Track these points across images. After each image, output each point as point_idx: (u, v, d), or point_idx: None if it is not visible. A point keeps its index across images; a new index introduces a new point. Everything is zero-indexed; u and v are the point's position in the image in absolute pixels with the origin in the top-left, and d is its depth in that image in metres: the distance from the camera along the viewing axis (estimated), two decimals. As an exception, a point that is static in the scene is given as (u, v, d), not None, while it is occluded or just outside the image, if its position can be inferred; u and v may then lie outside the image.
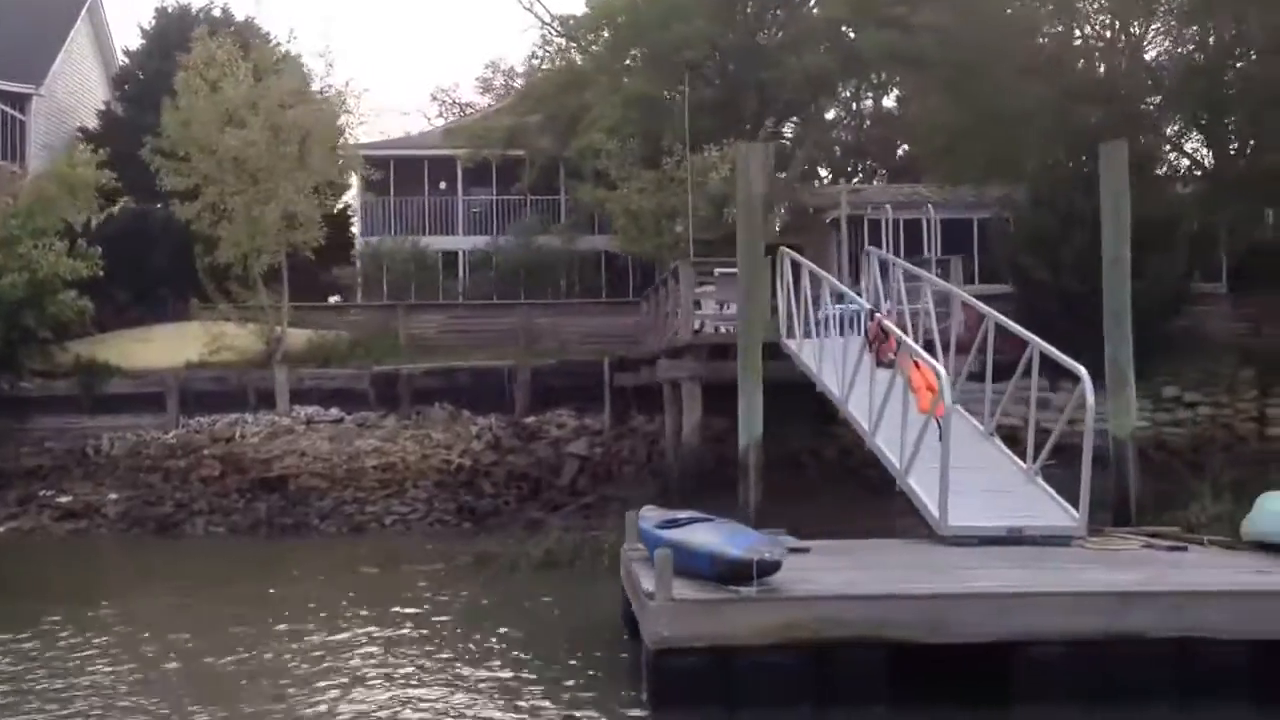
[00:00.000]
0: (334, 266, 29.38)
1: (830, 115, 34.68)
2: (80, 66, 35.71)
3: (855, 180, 34.04)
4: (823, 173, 35.16)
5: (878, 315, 15.04)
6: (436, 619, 13.30)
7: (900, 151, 35.25)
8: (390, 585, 15.99)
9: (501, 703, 9.47)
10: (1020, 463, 13.59)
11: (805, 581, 9.10)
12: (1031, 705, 8.51)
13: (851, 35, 28.63)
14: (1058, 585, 9.10)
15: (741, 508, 13.12)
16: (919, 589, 8.84)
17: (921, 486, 12.47)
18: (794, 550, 10.09)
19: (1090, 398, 12.33)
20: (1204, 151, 27.75)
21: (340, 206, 31.94)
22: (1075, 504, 12.70)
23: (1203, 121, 26.50)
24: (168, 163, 24.45)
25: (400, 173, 36.54)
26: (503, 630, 12.30)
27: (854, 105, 35.05)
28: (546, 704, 9.37)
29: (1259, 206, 27.35)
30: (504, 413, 24.57)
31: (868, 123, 35.33)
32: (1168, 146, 28.31)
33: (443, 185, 35.45)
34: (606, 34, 30.66)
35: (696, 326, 19.88)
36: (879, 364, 14.40)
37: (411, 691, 9.87)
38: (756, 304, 14.18)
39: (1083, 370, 12.75)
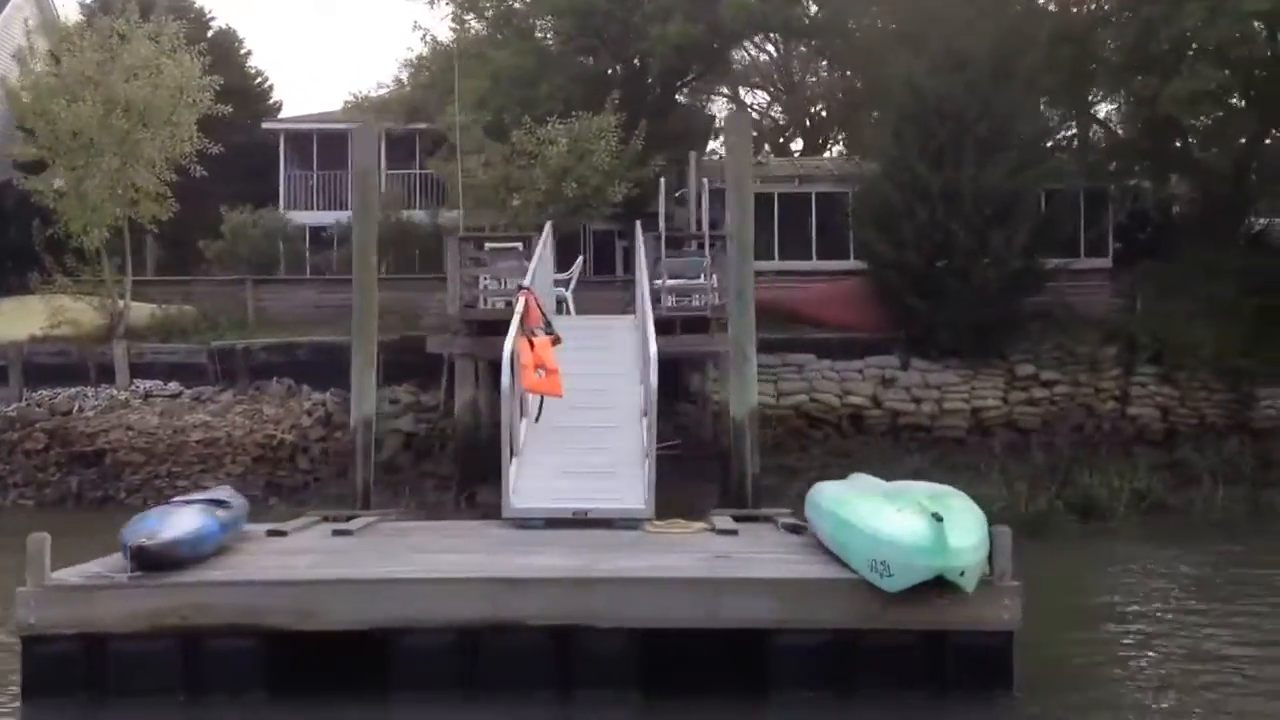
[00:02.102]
0: (200, 240, 29.46)
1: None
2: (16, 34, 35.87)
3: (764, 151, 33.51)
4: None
5: (526, 289, 14.64)
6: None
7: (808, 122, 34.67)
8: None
9: None
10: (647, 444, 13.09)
11: (238, 567, 8.89)
12: (409, 693, 8.23)
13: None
14: (434, 571, 8.76)
15: (351, 490, 12.89)
16: (290, 575, 8.59)
17: (521, 467, 12.15)
18: (273, 533, 9.89)
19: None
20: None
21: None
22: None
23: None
24: (17, 134, 24.70)
25: (324, 147, 36.74)
26: None
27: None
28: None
29: (1129, 180, 26.59)
30: (345, 388, 24.41)
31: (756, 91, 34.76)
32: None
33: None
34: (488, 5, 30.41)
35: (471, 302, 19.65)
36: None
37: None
38: (363, 293, 13.62)
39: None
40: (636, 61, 29.45)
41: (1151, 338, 24.60)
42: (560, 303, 20.05)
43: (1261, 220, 28.41)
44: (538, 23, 30.32)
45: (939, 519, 7.77)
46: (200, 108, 25.33)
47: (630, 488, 11.87)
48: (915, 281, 23.87)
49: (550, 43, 30.73)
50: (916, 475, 19.92)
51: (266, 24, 75.50)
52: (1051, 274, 24.98)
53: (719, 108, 36.57)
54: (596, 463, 12.41)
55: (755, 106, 38.90)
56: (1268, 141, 25.35)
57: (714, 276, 19.50)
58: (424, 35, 31.60)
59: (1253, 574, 14.25)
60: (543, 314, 13.80)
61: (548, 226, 19.09)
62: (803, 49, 32.30)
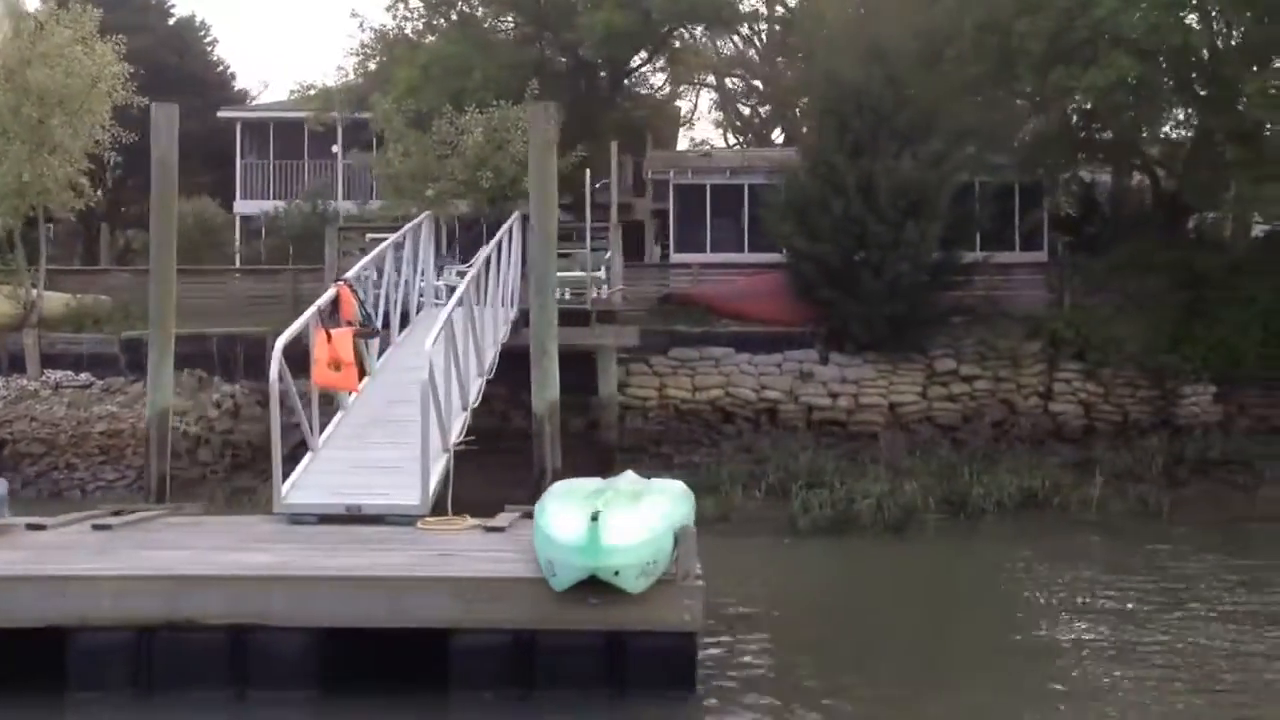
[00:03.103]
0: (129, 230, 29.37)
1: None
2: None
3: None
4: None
5: (340, 283, 14.33)
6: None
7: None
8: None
9: None
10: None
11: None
12: (85, 693, 8.02)
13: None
14: (115, 569, 8.53)
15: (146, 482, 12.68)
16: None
17: (316, 461, 11.91)
18: (32, 526, 9.67)
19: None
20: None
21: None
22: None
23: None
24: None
25: (281, 136, 36.64)
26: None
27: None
28: None
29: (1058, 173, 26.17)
30: (257, 379, 24.28)
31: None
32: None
33: (334, 148, 35.33)
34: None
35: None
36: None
37: None
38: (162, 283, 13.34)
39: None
40: (582, 51, 29.07)
41: (1075, 333, 24.18)
42: (449, 290, 19.78)
43: (1211, 215, 27.92)
44: (478, 11, 29.97)
45: (595, 519, 7.53)
46: (116, 97, 25.04)
47: (410, 484, 11.59)
48: (831, 274, 23.54)
49: (490, 31, 30.42)
50: (810, 469, 19.92)
51: (244, 12, 75.33)
52: (971, 268, 24.62)
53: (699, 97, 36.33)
54: (390, 457, 12.14)
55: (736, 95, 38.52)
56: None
57: (603, 270, 19.24)
58: (361, 23, 31.23)
59: (1052, 572, 14.39)
60: (361, 307, 13.52)
61: (424, 216, 18.81)
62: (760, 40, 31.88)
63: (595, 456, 19.33)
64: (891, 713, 9.00)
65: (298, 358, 12.27)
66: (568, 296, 19.56)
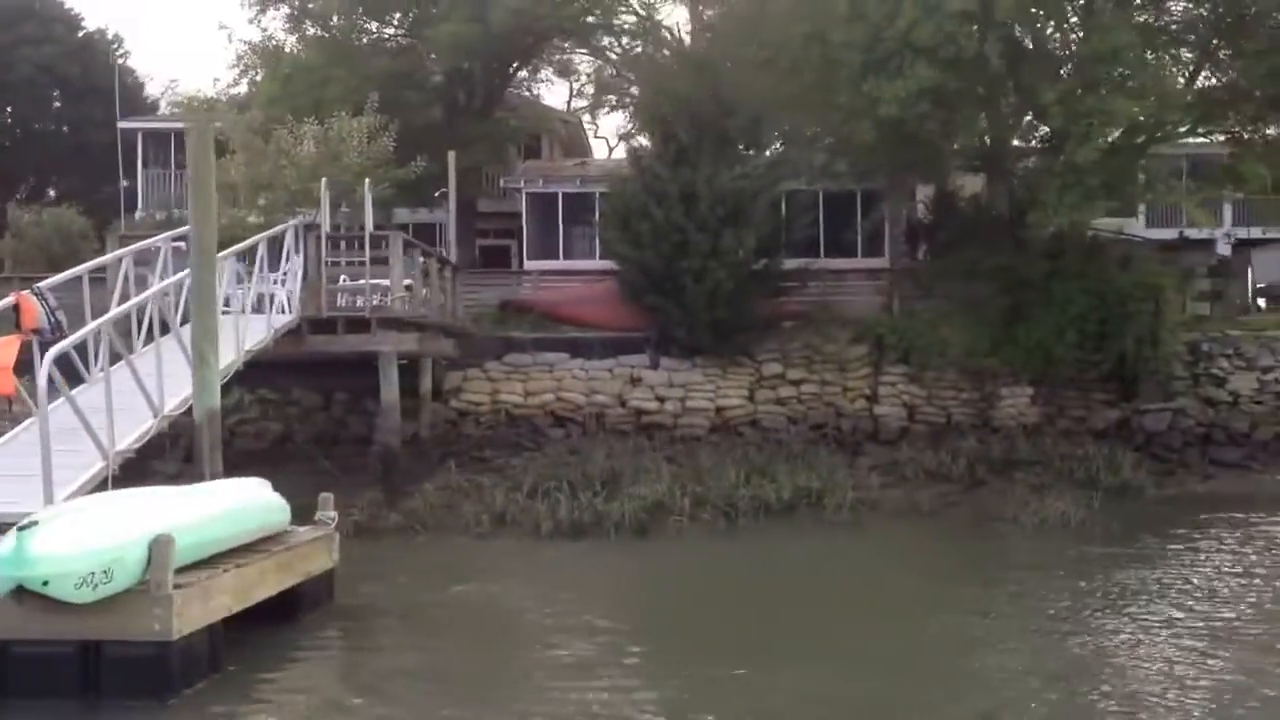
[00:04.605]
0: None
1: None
2: None
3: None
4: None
5: (21, 293, 14.47)
6: None
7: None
8: None
9: None
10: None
11: None
12: None
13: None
14: None
15: None
16: None
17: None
18: None
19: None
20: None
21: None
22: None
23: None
24: None
25: (182, 147, 37.08)
26: None
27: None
28: None
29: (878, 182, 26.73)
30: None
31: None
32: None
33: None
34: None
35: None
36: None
37: None
38: None
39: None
40: (432, 62, 29.62)
41: (899, 338, 24.73)
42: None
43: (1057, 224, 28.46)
44: (340, 21, 30.46)
45: (22, 529, 8.00)
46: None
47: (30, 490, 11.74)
48: (655, 281, 24.09)
49: (356, 41, 30.93)
50: (605, 473, 20.35)
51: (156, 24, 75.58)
52: (804, 273, 25.17)
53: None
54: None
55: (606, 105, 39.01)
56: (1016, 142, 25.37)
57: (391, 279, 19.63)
58: (229, 35, 31.73)
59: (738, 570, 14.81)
60: (50, 314, 13.76)
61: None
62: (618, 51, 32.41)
63: (378, 461, 19.79)
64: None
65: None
66: (360, 304, 19.88)
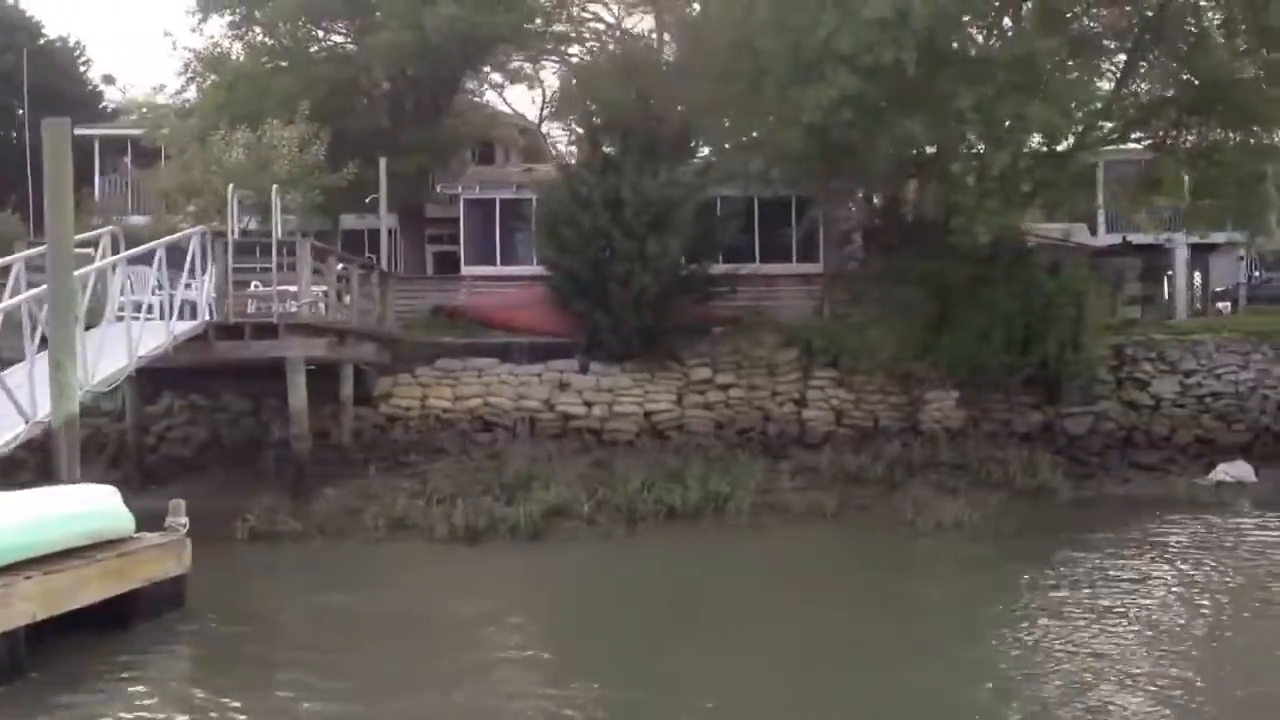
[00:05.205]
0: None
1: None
2: None
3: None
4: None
5: None
6: None
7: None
8: None
9: None
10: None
11: None
12: None
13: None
14: None
15: None
16: None
17: None
18: None
19: None
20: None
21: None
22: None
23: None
24: None
25: (139, 153, 37.31)
26: None
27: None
28: None
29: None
30: None
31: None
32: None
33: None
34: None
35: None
36: None
37: None
38: None
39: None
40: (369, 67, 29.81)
41: (828, 342, 24.88)
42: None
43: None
44: (282, 27, 30.63)
45: None
46: None
47: None
48: (582, 287, 24.24)
49: (300, 49, 31.09)
50: (521, 479, 20.45)
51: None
52: (724, 279, 25.33)
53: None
54: None
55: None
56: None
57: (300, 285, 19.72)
58: (173, 43, 31.91)
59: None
60: None
61: (106, 230, 19.26)
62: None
63: (289, 467, 19.92)
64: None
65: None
66: (281, 309, 20.00)
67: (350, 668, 10.91)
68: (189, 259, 17.72)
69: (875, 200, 27.35)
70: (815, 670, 10.70)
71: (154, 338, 16.65)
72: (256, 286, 19.83)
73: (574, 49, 31.67)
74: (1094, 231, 33.26)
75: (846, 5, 21.94)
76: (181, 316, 17.64)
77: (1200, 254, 33.71)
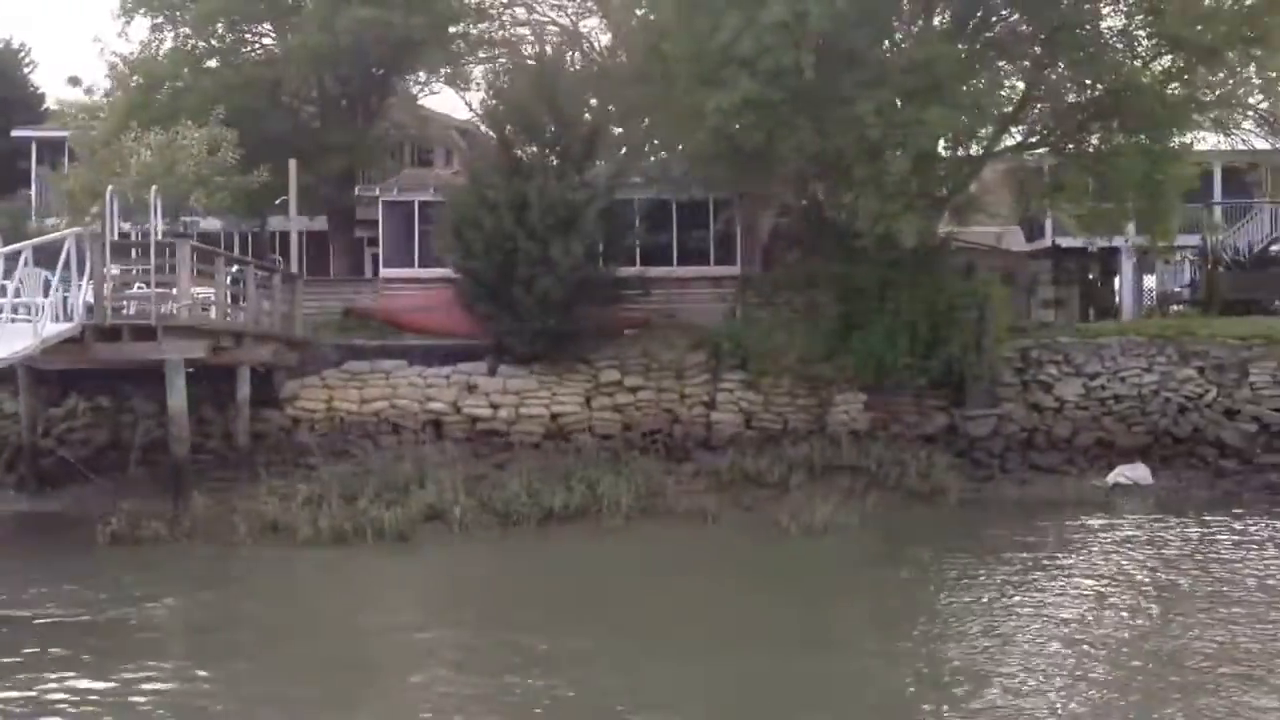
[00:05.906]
0: None
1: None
2: None
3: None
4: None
5: None
6: None
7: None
8: None
9: None
10: None
11: None
12: None
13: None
14: None
15: None
16: None
17: None
18: None
19: None
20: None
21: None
22: None
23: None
24: None
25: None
26: None
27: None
28: None
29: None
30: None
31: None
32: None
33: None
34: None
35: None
36: None
37: None
38: None
39: None
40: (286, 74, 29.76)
41: (736, 345, 24.87)
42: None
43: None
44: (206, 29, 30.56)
45: None
46: None
47: None
48: (488, 289, 24.22)
49: (225, 51, 31.05)
50: (408, 481, 20.43)
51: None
52: (636, 281, 25.32)
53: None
54: None
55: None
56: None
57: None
58: (101, 49, 31.84)
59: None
60: None
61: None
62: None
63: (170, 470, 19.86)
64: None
65: None
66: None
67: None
68: (61, 260, 17.62)
69: (787, 203, 27.32)
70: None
71: (20, 340, 16.54)
72: (140, 288, 19.74)
73: (497, 51, 31.48)
74: (1029, 237, 33.42)
75: (747, 9, 21.95)
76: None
77: (1146, 258, 33.61)
